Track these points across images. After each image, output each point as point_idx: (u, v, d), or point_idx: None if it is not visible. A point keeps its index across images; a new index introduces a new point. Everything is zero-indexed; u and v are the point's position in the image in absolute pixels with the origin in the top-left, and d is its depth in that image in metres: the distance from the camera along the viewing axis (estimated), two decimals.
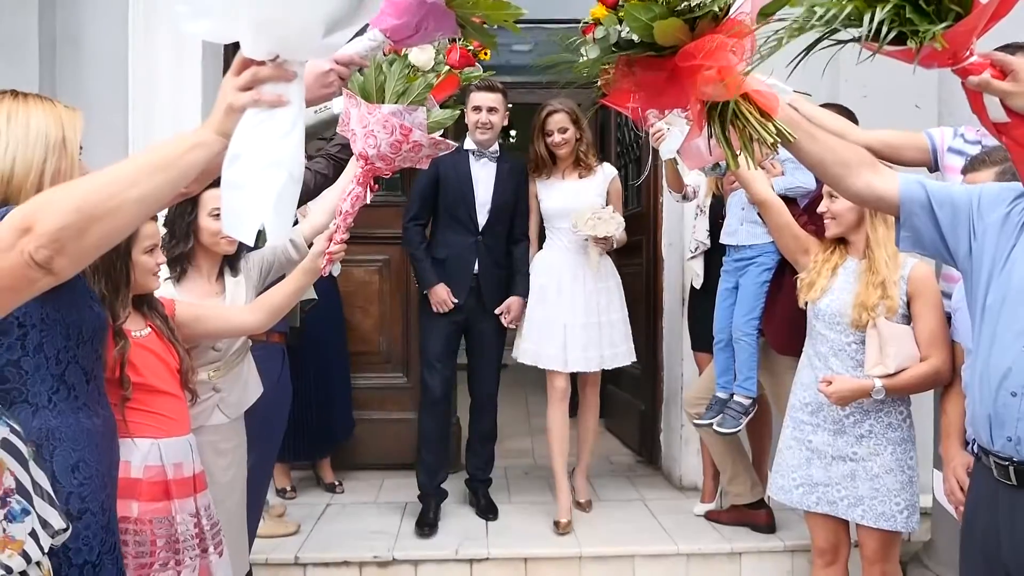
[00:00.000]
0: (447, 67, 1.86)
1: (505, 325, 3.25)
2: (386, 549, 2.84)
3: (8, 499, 1.10)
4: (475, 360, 3.33)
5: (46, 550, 1.14)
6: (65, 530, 1.19)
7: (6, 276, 0.97)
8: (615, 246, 3.21)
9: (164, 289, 2.07)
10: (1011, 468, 1.45)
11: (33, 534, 1.11)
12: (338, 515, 3.23)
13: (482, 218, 3.23)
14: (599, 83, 1.49)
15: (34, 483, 1.15)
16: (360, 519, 3.19)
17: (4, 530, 1.08)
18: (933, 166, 2.38)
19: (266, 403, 2.37)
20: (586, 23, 1.40)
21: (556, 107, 3.20)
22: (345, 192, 1.86)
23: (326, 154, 2.44)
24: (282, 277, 2.27)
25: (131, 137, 3.24)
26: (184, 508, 1.85)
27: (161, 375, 1.86)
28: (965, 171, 2.06)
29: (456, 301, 3.17)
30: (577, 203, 3.18)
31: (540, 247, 3.42)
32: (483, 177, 3.22)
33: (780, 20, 1.29)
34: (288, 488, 3.44)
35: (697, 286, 3.22)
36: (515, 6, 1.38)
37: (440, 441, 3.25)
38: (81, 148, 1.64)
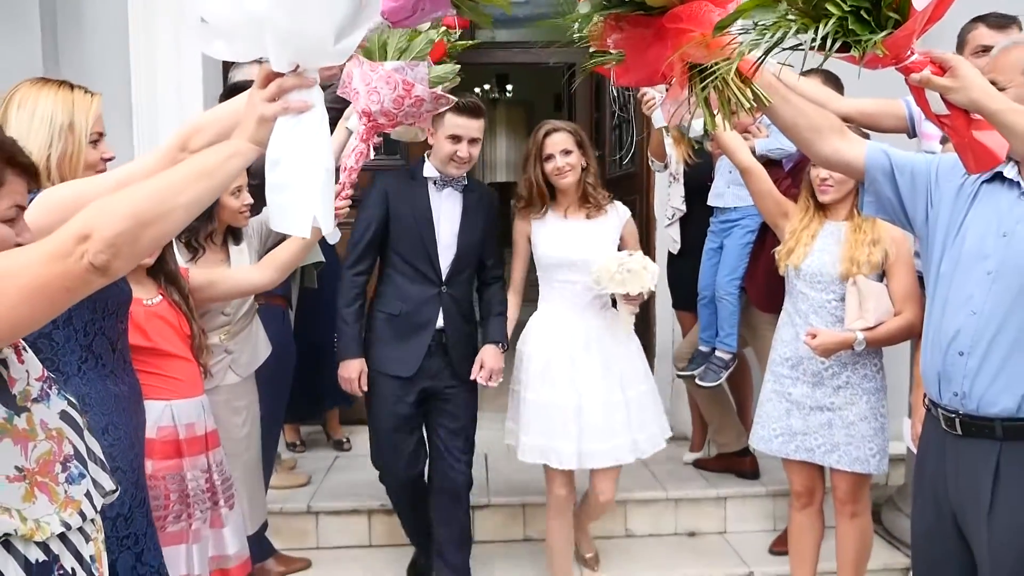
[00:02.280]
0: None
1: (482, 383, 2.55)
2: None
3: (68, 464, 1.23)
4: (440, 435, 2.57)
5: (98, 508, 1.28)
6: (114, 491, 1.34)
7: (66, 279, 1.07)
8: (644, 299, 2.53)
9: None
10: (957, 420, 1.61)
11: (88, 495, 1.25)
12: (346, 467, 3.42)
13: (446, 263, 2.51)
14: (590, 46, 1.59)
15: (88, 450, 1.29)
16: (368, 471, 3.32)
17: (66, 492, 1.21)
18: (911, 133, 2.48)
19: (270, 362, 2.54)
20: None
21: (557, 125, 2.58)
22: (349, 148, 1.97)
23: None
24: (284, 239, 2.39)
25: (134, 105, 3.33)
26: (195, 465, 2.01)
27: (172, 340, 1.99)
28: (944, 142, 2.16)
29: (403, 375, 2.49)
30: (586, 250, 2.51)
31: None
32: (447, 212, 2.51)
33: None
34: (297, 442, 3.63)
35: (675, 252, 3.33)
36: None
37: (422, 527, 2.69)
38: (103, 134, 1.75)
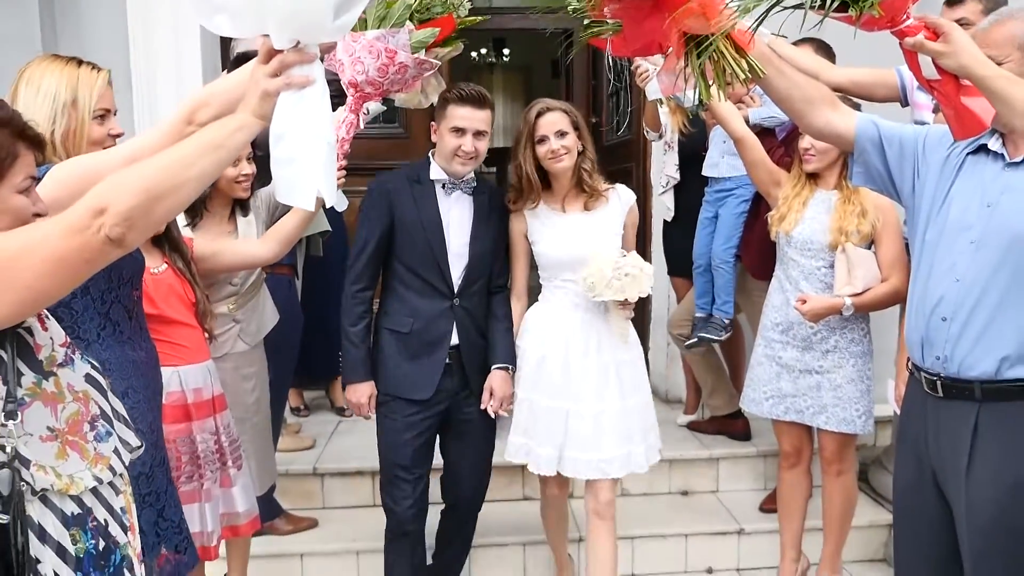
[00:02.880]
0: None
1: (491, 413, 2.34)
2: None
3: (95, 423, 1.31)
4: (455, 459, 2.41)
5: (126, 464, 1.37)
6: (140, 447, 1.42)
7: (84, 251, 1.13)
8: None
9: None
10: (938, 382, 1.69)
11: (116, 451, 1.33)
12: (349, 431, 3.50)
13: (457, 274, 2.29)
14: (586, 16, 1.62)
15: (113, 410, 1.37)
16: (370, 435, 3.41)
17: (95, 449, 1.30)
18: (903, 102, 2.52)
19: (277, 329, 2.61)
20: None
21: (551, 104, 2.31)
22: (340, 121, 2.01)
23: None
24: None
25: (133, 77, 3.34)
26: (204, 428, 2.09)
27: (177, 307, 2.05)
28: (936, 111, 2.21)
29: (419, 397, 2.28)
30: (589, 246, 2.27)
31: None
32: (457, 218, 2.29)
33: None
34: (301, 407, 3.71)
35: (669, 219, 3.38)
36: None
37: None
38: (110, 110, 1.78)
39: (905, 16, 1.38)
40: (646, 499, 3.20)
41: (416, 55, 1.86)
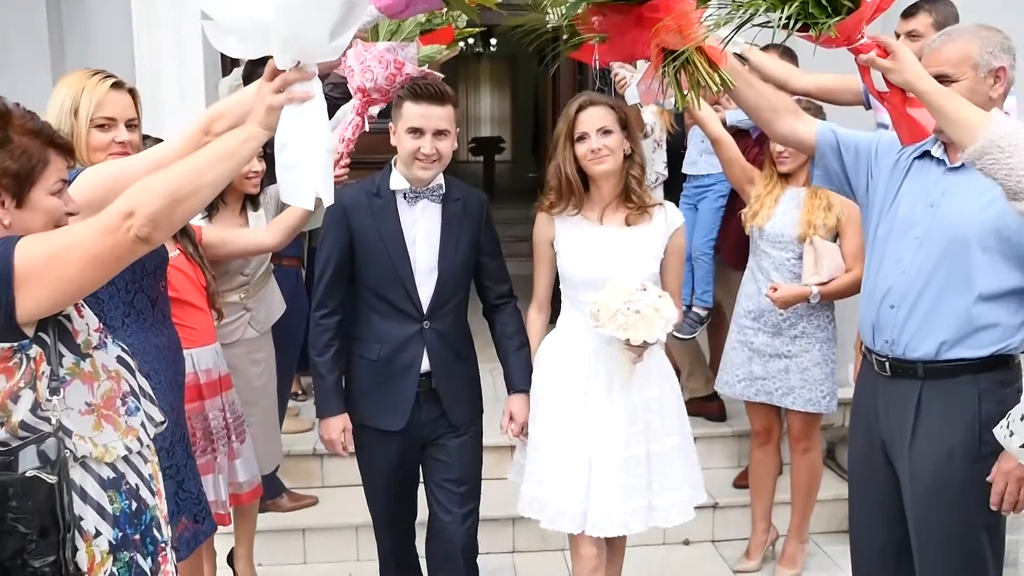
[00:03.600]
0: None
1: (512, 438, 2.22)
2: None
3: (126, 399, 1.49)
4: (438, 501, 2.18)
5: (151, 436, 1.54)
6: (163, 422, 1.59)
7: (116, 249, 1.31)
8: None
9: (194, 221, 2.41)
10: (887, 363, 1.89)
11: (143, 425, 1.51)
12: None
13: (426, 293, 2.09)
14: (567, 34, 1.78)
15: (140, 388, 1.54)
16: None
17: (126, 422, 1.47)
18: (867, 105, 2.71)
19: (284, 317, 2.77)
20: None
21: (595, 98, 2.09)
22: (346, 122, 2.17)
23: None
24: None
25: (136, 74, 3.47)
26: (214, 406, 2.27)
27: (189, 291, 2.21)
28: None
29: (391, 428, 2.11)
30: (621, 267, 2.04)
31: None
32: (423, 230, 2.08)
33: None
34: (299, 392, 3.87)
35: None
36: None
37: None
38: (113, 119, 1.86)
39: (859, 35, 1.56)
40: None
41: (422, 67, 2.02)
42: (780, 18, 1.50)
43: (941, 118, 1.55)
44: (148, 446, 1.53)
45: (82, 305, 1.46)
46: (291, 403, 3.67)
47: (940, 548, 1.81)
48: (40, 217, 1.39)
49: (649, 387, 2.10)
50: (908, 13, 2.62)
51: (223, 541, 2.61)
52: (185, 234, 2.23)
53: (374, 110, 2.21)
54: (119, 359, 1.50)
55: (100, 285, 1.40)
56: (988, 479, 1.74)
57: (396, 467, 2.17)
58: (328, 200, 1.43)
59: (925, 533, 1.83)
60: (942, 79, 1.73)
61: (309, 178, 1.38)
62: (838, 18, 1.49)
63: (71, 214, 1.44)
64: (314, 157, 1.38)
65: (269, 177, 2.52)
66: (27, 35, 3.37)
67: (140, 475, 1.49)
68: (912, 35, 2.57)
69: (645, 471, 2.08)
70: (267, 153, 2.44)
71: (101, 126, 1.83)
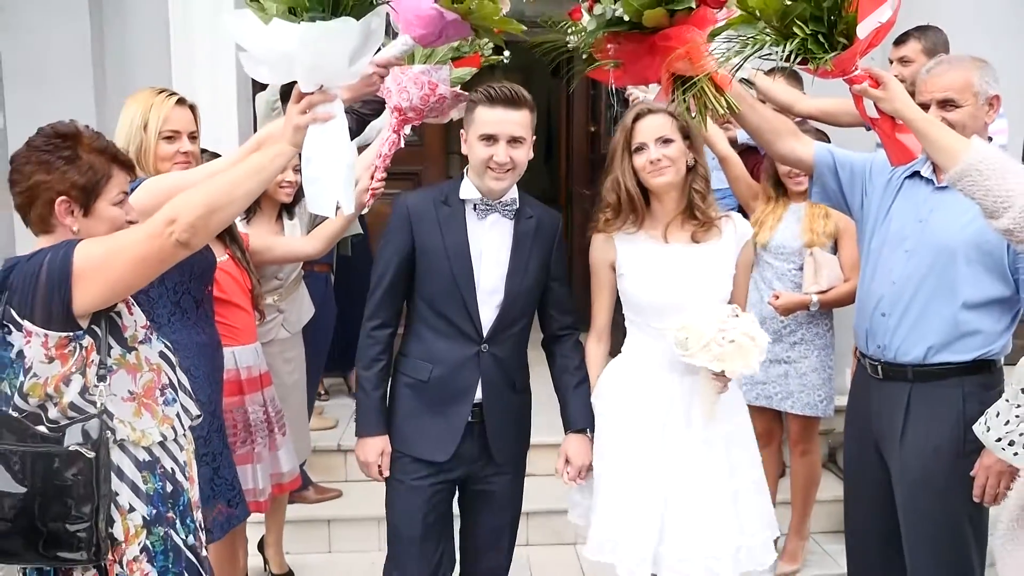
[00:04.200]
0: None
1: (568, 483, 2.01)
2: None
3: (165, 391, 1.63)
4: (473, 539, 2.08)
5: (186, 427, 1.69)
6: (199, 416, 1.74)
7: (160, 252, 1.47)
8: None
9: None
10: (879, 367, 2.03)
11: (178, 415, 1.65)
12: None
13: (488, 315, 1.94)
14: (585, 56, 1.93)
15: (179, 382, 1.70)
16: None
17: (163, 411, 1.62)
18: (867, 127, 2.86)
19: (314, 321, 2.94)
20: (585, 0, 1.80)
21: (653, 106, 1.94)
22: (382, 139, 2.32)
23: (352, 110, 2.89)
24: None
25: (173, 79, 3.65)
26: (254, 400, 2.42)
27: (235, 292, 2.37)
28: None
29: (436, 459, 1.94)
30: (692, 289, 1.90)
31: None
32: (491, 247, 1.94)
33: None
34: (322, 392, 4.03)
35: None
36: (517, 24, 1.74)
37: None
38: (178, 132, 2.07)
39: (853, 68, 1.71)
40: None
41: (454, 88, 2.17)
42: (782, 53, 1.65)
43: (926, 143, 1.70)
44: (184, 435, 1.68)
45: (132, 304, 1.63)
46: (316, 402, 3.84)
47: (927, 537, 1.95)
48: (104, 225, 1.56)
49: (728, 419, 1.93)
50: (900, 40, 2.77)
51: (254, 530, 2.78)
52: (234, 240, 2.39)
53: (407, 129, 2.38)
54: (161, 354, 1.65)
55: (146, 283, 1.57)
56: (971, 474, 1.89)
57: (430, 502, 1.95)
58: (348, 211, 1.56)
59: (914, 523, 1.97)
60: (948, 103, 1.90)
61: (331, 189, 1.51)
62: (834, 54, 1.63)
63: (132, 222, 1.60)
64: (336, 171, 1.51)
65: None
66: (70, 52, 3.55)
67: (175, 460, 1.64)
68: (904, 60, 2.73)
69: (733, 510, 1.89)
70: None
71: (168, 138, 2.04)
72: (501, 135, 1.87)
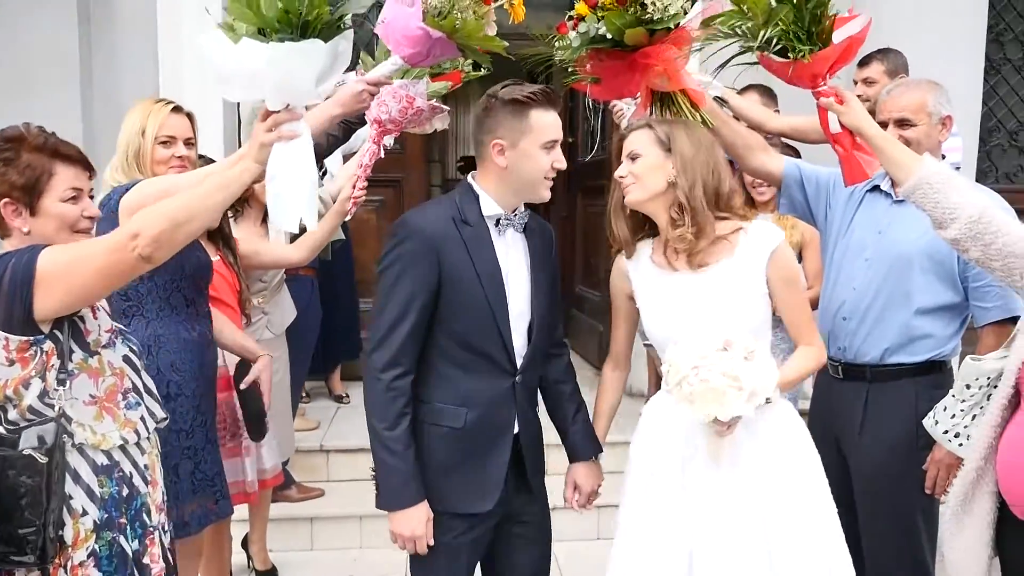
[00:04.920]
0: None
1: (578, 510, 1.93)
2: None
3: (127, 395, 1.62)
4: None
5: (150, 431, 1.67)
6: (165, 419, 1.73)
7: (121, 264, 1.47)
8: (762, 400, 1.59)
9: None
10: (839, 367, 2.16)
11: (143, 419, 1.63)
12: (348, 416, 3.88)
13: (520, 340, 1.76)
14: (570, 68, 2.03)
15: (144, 386, 1.68)
16: None
17: (125, 415, 1.60)
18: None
19: (299, 323, 3.01)
20: (571, 17, 1.90)
21: (636, 125, 1.81)
22: (363, 151, 2.40)
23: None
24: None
25: (162, 93, 3.70)
26: None
27: (225, 292, 2.43)
28: None
29: (477, 511, 1.73)
30: (696, 322, 1.68)
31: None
32: (514, 264, 1.77)
33: (713, 29, 1.83)
34: (304, 394, 4.09)
35: None
36: (500, 41, 1.79)
37: None
38: (174, 137, 2.15)
39: (822, 81, 1.83)
40: (616, 477, 3.63)
41: (431, 101, 2.27)
42: (763, 37, 1.73)
43: (882, 157, 1.81)
44: (147, 438, 1.65)
45: (98, 308, 1.62)
46: (299, 404, 3.90)
47: (883, 527, 2.08)
48: (53, 222, 1.54)
49: (765, 457, 1.67)
50: (863, 62, 2.93)
51: (238, 528, 2.83)
52: (227, 244, 2.46)
53: (388, 140, 2.47)
54: (125, 358, 1.64)
55: (107, 294, 1.58)
56: (924, 467, 2.02)
57: (472, 558, 1.77)
58: (311, 226, 1.56)
59: (870, 514, 2.10)
60: (904, 123, 2.05)
61: (294, 205, 1.52)
62: (811, 47, 1.72)
63: (91, 218, 1.59)
64: (299, 188, 1.52)
65: None
66: (56, 57, 3.59)
67: (135, 465, 1.62)
68: (867, 81, 2.89)
69: (767, 568, 1.64)
70: None
71: (164, 143, 2.12)
72: (559, 140, 1.73)
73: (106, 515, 1.54)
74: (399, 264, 1.68)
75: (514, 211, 1.77)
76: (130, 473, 1.60)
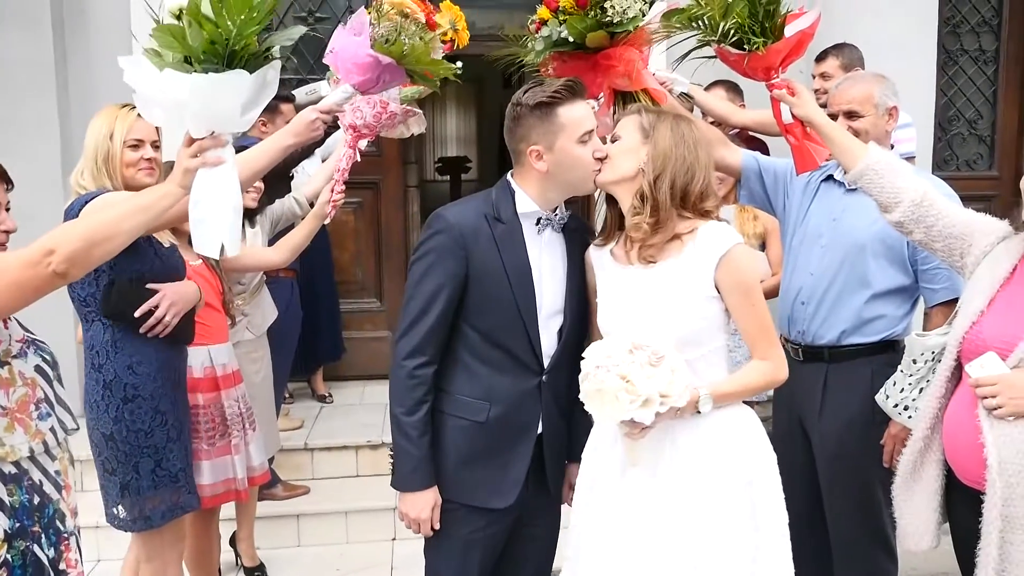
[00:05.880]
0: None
1: (572, 506, 1.84)
2: (376, 435, 3.59)
3: (39, 405, 1.59)
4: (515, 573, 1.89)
5: (61, 440, 1.64)
6: (76, 428, 1.69)
7: (35, 280, 1.43)
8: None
9: None
10: (800, 350, 2.26)
11: (53, 429, 1.61)
12: (331, 416, 3.95)
13: (549, 342, 1.77)
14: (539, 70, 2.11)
15: (56, 396, 1.64)
16: (350, 415, 3.91)
17: (36, 426, 1.57)
18: None
19: (280, 324, 3.07)
20: (533, 21, 1.98)
21: (631, 109, 1.79)
22: (339, 155, 2.46)
23: None
24: (292, 226, 2.91)
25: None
26: (230, 396, 2.53)
27: (209, 294, 2.47)
28: None
29: (496, 506, 1.76)
30: (638, 321, 1.62)
31: None
32: (549, 264, 1.77)
33: (672, 26, 1.91)
34: (288, 395, 4.14)
35: None
36: (448, 64, 1.83)
37: None
38: (143, 140, 2.16)
39: (775, 74, 1.91)
40: None
41: (404, 105, 2.34)
42: (721, 29, 1.81)
43: (831, 145, 1.90)
44: (58, 445, 1.63)
45: (11, 318, 1.59)
46: (283, 404, 3.95)
47: (845, 502, 2.18)
48: None
49: (684, 467, 1.60)
50: (820, 57, 3.04)
51: (226, 527, 2.89)
52: None
53: (363, 143, 2.53)
54: (37, 368, 1.61)
55: (19, 310, 1.50)
56: (881, 442, 2.12)
57: (488, 555, 1.78)
58: (231, 253, 1.55)
59: (832, 489, 2.20)
60: (852, 114, 2.15)
61: (216, 231, 1.53)
62: (765, 39, 1.80)
63: (7, 232, 1.60)
64: (222, 214, 1.54)
65: (269, 198, 2.83)
66: (33, 63, 3.62)
67: (45, 472, 1.59)
68: (824, 76, 2.99)
69: None
70: (273, 172, 2.78)
71: (133, 146, 2.16)
72: (593, 127, 1.69)
73: (17, 524, 1.51)
74: (429, 257, 1.71)
75: (555, 210, 1.76)
76: (40, 481, 1.57)
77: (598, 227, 1.87)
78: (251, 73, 1.47)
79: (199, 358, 2.44)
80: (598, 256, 1.77)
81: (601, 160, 1.69)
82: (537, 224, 1.74)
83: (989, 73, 4.57)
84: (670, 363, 1.51)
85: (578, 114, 1.67)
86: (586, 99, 1.73)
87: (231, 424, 2.50)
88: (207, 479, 2.39)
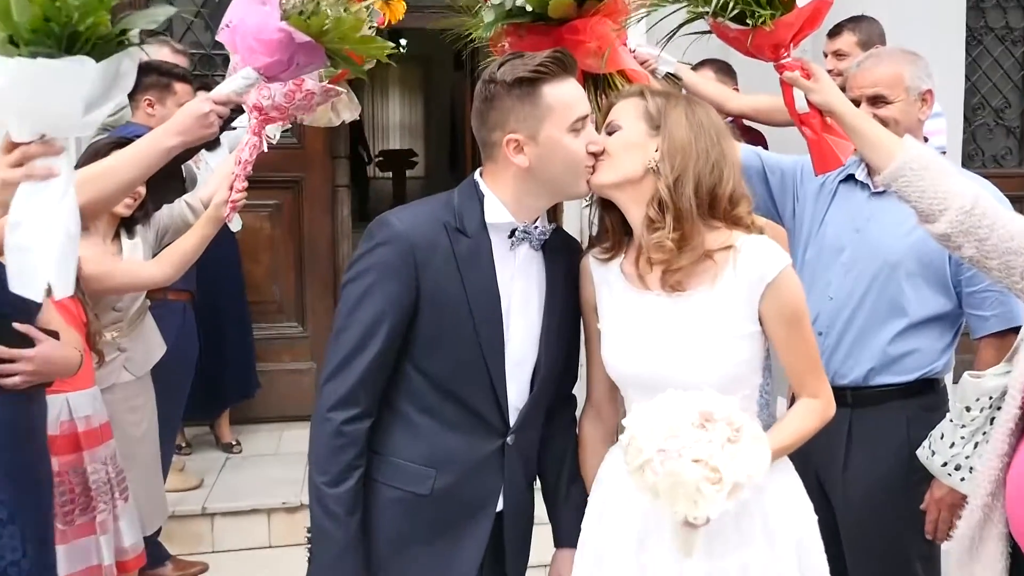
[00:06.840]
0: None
1: None
2: (294, 495, 3.35)
3: None
4: None
5: None
6: None
7: None
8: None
9: None
10: None
11: None
12: (239, 467, 3.72)
13: (517, 391, 1.58)
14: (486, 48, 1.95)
15: None
16: (264, 468, 3.68)
17: None
18: None
19: (169, 360, 2.82)
20: None
21: (627, 92, 1.61)
22: (242, 143, 2.26)
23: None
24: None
25: None
26: (95, 458, 2.30)
27: (68, 324, 2.23)
28: None
29: None
30: (667, 360, 1.48)
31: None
32: (522, 292, 1.58)
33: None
34: (183, 444, 3.88)
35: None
36: (383, 42, 1.70)
37: None
38: None
39: (785, 53, 1.77)
40: None
41: (323, 83, 2.15)
42: (718, 1, 1.65)
43: (858, 139, 1.77)
44: None
45: None
46: (176, 457, 3.68)
47: None
48: None
49: (748, 547, 1.49)
50: (833, 33, 2.93)
51: None
52: None
53: (273, 129, 2.32)
54: None
55: None
56: (921, 507, 1.98)
57: None
58: (60, 294, 1.36)
59: (860, 563, 2.05)
60: (878, 99, 2.02)
61: (42, 265, 1.34)
62: (773, 12, 1.63)
63: None
64: (50, 241, 1.35)
65: (154, 203, 2.60)
66: None
67: None
68: (838, 54, 2.88)
69: None
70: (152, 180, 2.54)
71: None
72: (588, 112, 1.52)
73: None
74: (369, 276, 1.49)
75: (534, 220, 1.56)
76: None
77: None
78: (98, 61, 1.28)
79: (55, 409, 2.18)
80: (602, 273, 1.59)
81: (596, 155, 1.51)
82: (511, 238, 1.54)
83: (1018, 55, 4.54)
84: (747, 434, 1.32)
85: (568, 94, 1.50)
86: (575, 76, 1.54)
87: (96, 495, 2.26)
88: (62, 568, 2.12)
